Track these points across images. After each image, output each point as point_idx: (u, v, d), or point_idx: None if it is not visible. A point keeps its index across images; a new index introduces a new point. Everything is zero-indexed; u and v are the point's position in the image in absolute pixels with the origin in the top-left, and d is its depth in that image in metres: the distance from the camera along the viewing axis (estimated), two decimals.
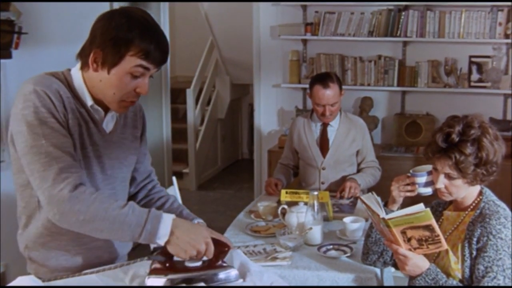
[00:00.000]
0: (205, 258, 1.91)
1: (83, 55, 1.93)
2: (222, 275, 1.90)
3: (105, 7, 4.44)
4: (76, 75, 1.97)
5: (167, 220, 1.85)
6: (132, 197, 2.23)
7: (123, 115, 2.10)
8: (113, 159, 2.06)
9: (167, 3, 6.06)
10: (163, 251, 1.89)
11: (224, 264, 1.93)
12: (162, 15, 6.32)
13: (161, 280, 1.86)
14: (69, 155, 1.84)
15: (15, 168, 1.96)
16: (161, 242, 1.85)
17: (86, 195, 1.80)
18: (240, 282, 1.99)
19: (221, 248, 1.93)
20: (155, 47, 1.86)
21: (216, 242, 1.91)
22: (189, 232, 1.86)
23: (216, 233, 1.95)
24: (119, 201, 1.86)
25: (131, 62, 1.86)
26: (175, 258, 1.91)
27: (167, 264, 1.90)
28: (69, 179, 1.80)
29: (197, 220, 2.12)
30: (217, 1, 6.80)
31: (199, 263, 1.90)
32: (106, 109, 2.01)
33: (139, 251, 2.58)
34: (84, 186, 1.83)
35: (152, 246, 1.99)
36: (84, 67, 1.94)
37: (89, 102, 1.96)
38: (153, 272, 1.88)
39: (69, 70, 2.00)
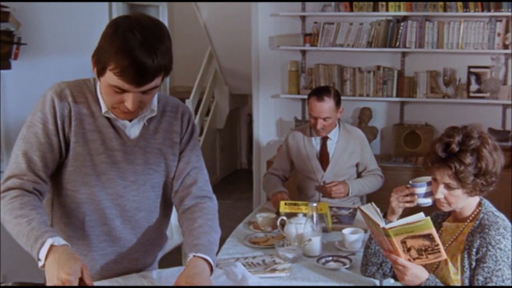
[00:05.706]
0: None
1: None
2: None
3: (104, 18, 4.43)
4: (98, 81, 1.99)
5: (47, 245, 1.73)
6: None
7: (156, 119, 2.05)
8: (138, 165, 2.03)
9: (166, 15, 6.07)
10: None
11: None
12: None
13: None
14: (31, 162, 1.90)
15: None
16: (39, 264, 1.74)
17: (6, 199, 1.86)
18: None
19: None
20: (129, 65, 1.75)
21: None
22: (55, 264, 1.70)
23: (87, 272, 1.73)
24: (34, 210, 1.82)
25: (109, 78, 1.80)
26: None
27: None
28: (7, 183, 1.88)
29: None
30: (213, 0, 6.78)
31: None
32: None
33: (169, 260, 2.49)
34: (15, 190, 1.87)
35: (188, 256, 1.89)
36: None
37: (103, 109, 1.97)
38: None
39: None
